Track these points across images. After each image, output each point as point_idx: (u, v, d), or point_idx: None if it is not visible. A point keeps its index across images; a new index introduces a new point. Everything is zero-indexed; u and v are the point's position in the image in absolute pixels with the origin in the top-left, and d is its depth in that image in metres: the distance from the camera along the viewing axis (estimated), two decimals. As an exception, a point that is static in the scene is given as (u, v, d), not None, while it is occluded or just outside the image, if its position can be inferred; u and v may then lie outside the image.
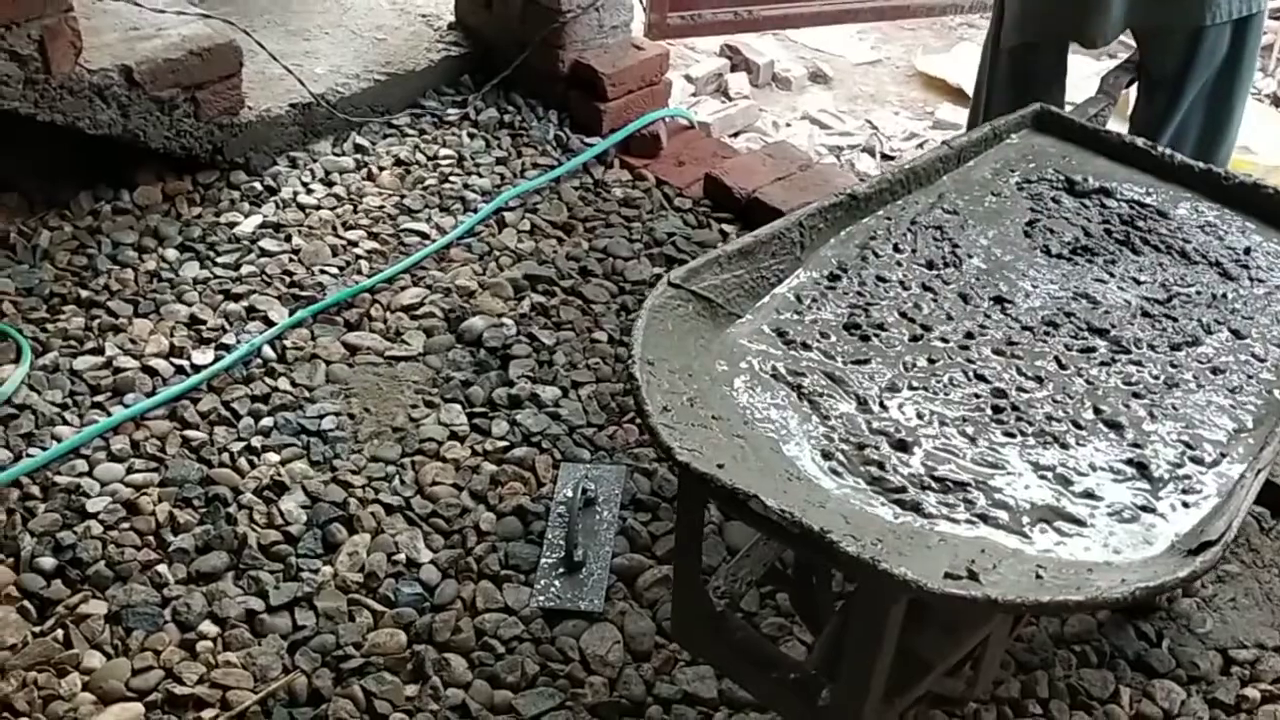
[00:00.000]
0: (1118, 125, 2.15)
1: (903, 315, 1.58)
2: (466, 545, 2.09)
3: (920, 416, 1.43)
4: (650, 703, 1.86)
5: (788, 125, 3.97)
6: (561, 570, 2.04)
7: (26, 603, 1.95)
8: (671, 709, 1.86)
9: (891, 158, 3.79)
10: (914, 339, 1.54)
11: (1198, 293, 1.65)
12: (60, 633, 1.91)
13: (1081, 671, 1.92)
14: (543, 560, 2.06)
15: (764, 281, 1.59)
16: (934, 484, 1.35)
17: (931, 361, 1.51)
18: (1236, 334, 1.57)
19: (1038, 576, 1.20)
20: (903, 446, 1.39)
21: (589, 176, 3.00)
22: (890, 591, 1.16)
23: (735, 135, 3.73)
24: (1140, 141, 1.90)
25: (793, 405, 1.45)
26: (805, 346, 1.53)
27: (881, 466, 1.37)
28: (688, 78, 3.95)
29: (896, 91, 4.28)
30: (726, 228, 2.87)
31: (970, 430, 1.42)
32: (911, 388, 1.47)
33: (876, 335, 1.54)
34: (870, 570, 1.13)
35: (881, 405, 1.45)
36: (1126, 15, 2.17)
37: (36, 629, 1.92)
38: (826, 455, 1.39)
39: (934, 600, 1.12)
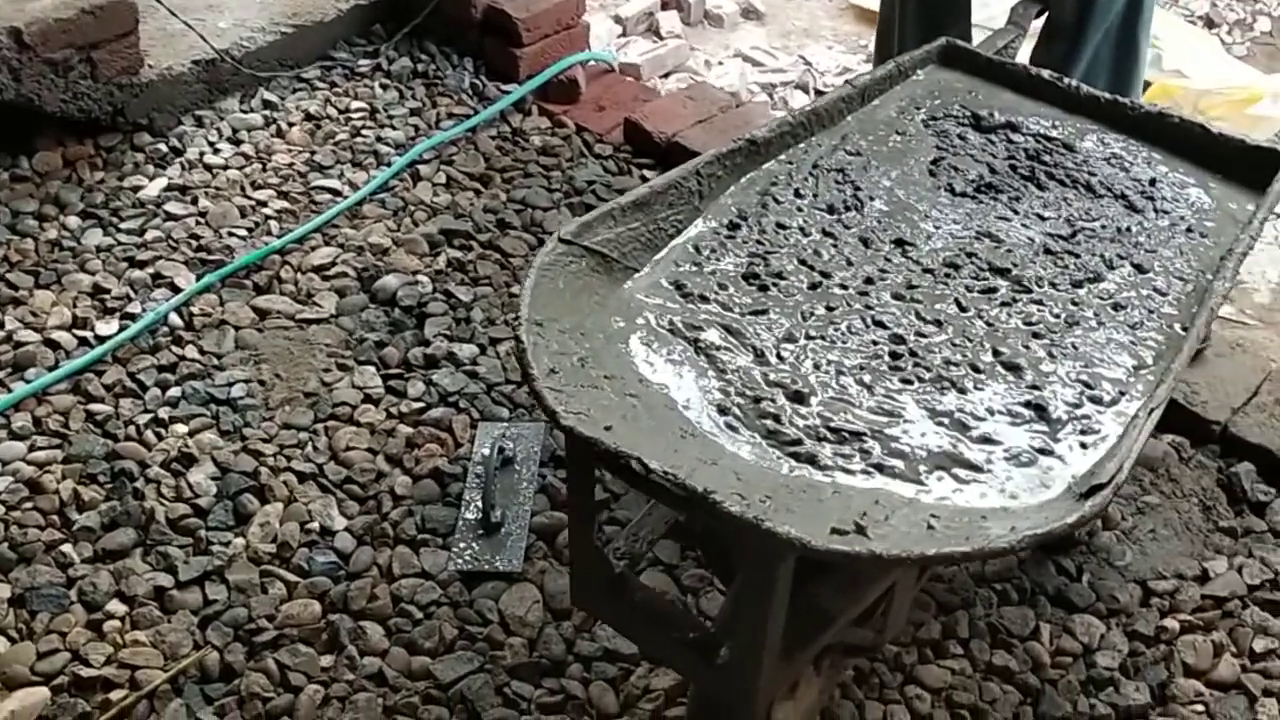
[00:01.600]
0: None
1: (802, 263, 1.54)
2: (382, 510, 2.05)
3: (817, 366, 1.40)
4: (571, 661, 1.84)
5: (720, 64, 3.90)
6: (480, 531, 2.01)
7: (-74, 589, 1.90)
8: (592, 666, 1.84)
9: (825, 93, 3.73)
10: (813, 287, 1.51)
11: (1102, 227, 1.62)
12: (-38, 618, 1.87)
13: (1002, 610, 1.92)
14: (460, 522, 2.02)
15: (661, 233, 1.55)
16: (830, 435, 1.32)
17: (830, 309, 1.48)
18: (1139, 268, 1.55)
19: (929, 527, 1.18)
20: (799, 398, 1.36)
21: (506, 125, 2.93)
22: (776, 550, 1.13)
23: (666, 76, 3.66)
24: (1047, 74, 1.87)
25: (689, 360, 1.41)
26: (703, 299, 1.49)
27: (778, 419, 1.34)
28: (616, 18, 3.86)
29: (830, 26, 4.21)
30: (648, 174, 2.82)
31: (867, 379, 1.39)
32: (809, 337, 1.44)
33: (775, 284, 1.50)
34: (755, 529, 1.10)
35: (779, 356, 1.41)
36: None
37: (-64, 616, 1.86)
38: (723, 410, 1.36)
39: (820, 557, 1.10)
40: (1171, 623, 1.91)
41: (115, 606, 1.88)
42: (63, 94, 2.61)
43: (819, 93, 3.71)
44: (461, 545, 1.99)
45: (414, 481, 2.10)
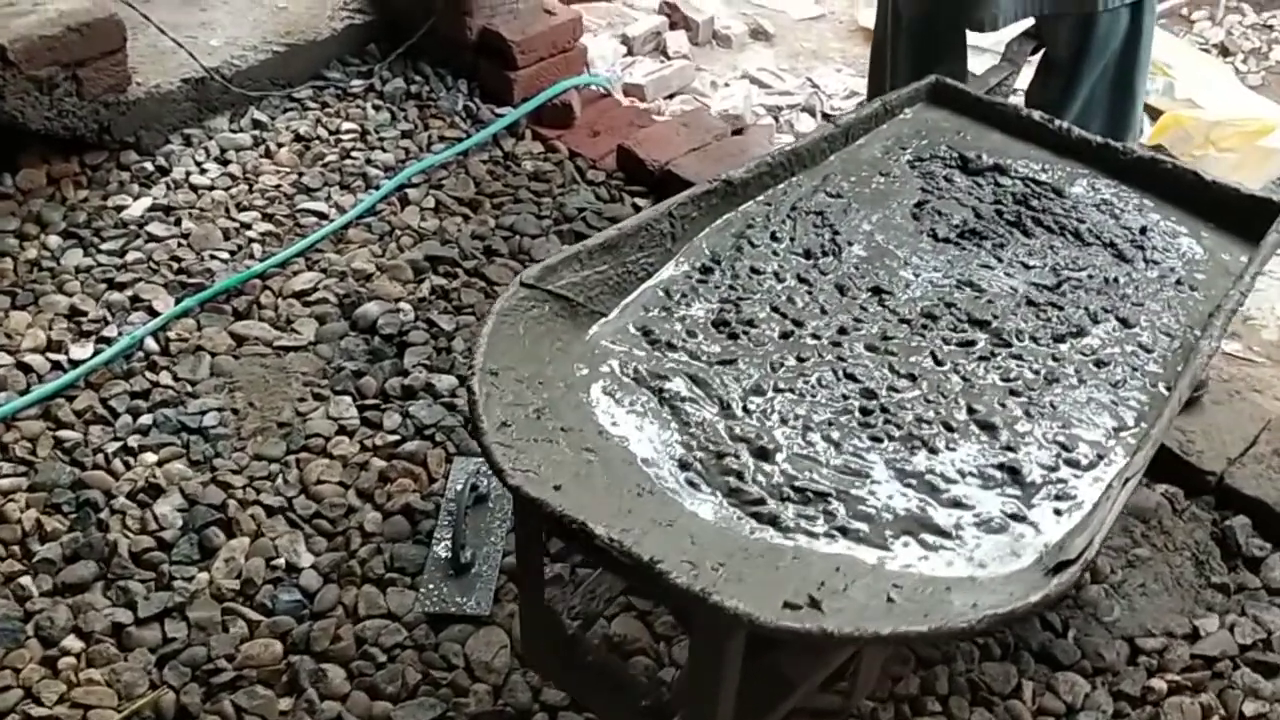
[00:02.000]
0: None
1: (775, 310, 1.49)
2: (350, 548, 2.00)
3: (785, 421, 1.35)
4: (536, 710, 1.78)
5: (726, 85, 3.85)
6: (449, 572, 1.95)
7: (-119, 620, 1.85)
8: (558, 715, 1.78)
9: (832, 117, 3.68)
10: (784, 336, 1.46)
11: (1089, 277, 1.56)
12: (-83, 651, 1.82)
13: (983, 665, 1.86)
14: (429, 562, 1.97)
15: (631, 277, 1.50)
16: (794, 494, 1.27)
17: (801, 360, 1.43)
18: (1124, 322, 1.49)
19: (889, 600, 1.13)
20: (763, 454, 1.31)
21: (499, 149, 2.89)
22: (724, 624, 1.08)
23: (671, 97, 3.61)
24: (1038, 115, 1.81)
25: (652, 412, 1.36)
26: (670, 346, 1.44)
27: (740, 476, 1.29)
28: (624, 37, 3.82)
29: (839, 48, 4.16)
30: (640, 202, 2.77)
31: (836, 435, 1.33)
32: (778, 389, 1.39)
33: (746, 333, 1.45)
34: (702, 604, 1.05)
35: (745, 409, 1.36)
36: (1017, 2, 2.06)
37: (-110, 648, 1.82)
38: (684, 465, 1.30)
39: (769, 633, 1.05)
40: (1159, 683, 1.84)
41: (71, 643, 1.84)
42: (47, 111, 2.57)
43: (826, 116, 3.65)
44: (430, 586, 1.94)
45: (384, 518, 2.04)
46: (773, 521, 1.24)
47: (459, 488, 2.05)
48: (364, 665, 1.83)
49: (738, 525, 1.24)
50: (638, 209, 2.74)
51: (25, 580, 1.91)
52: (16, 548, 1.96)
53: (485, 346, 1.31)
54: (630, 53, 3.75)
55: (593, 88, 3.10)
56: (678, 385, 1.39)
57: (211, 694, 1.78)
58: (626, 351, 1.43)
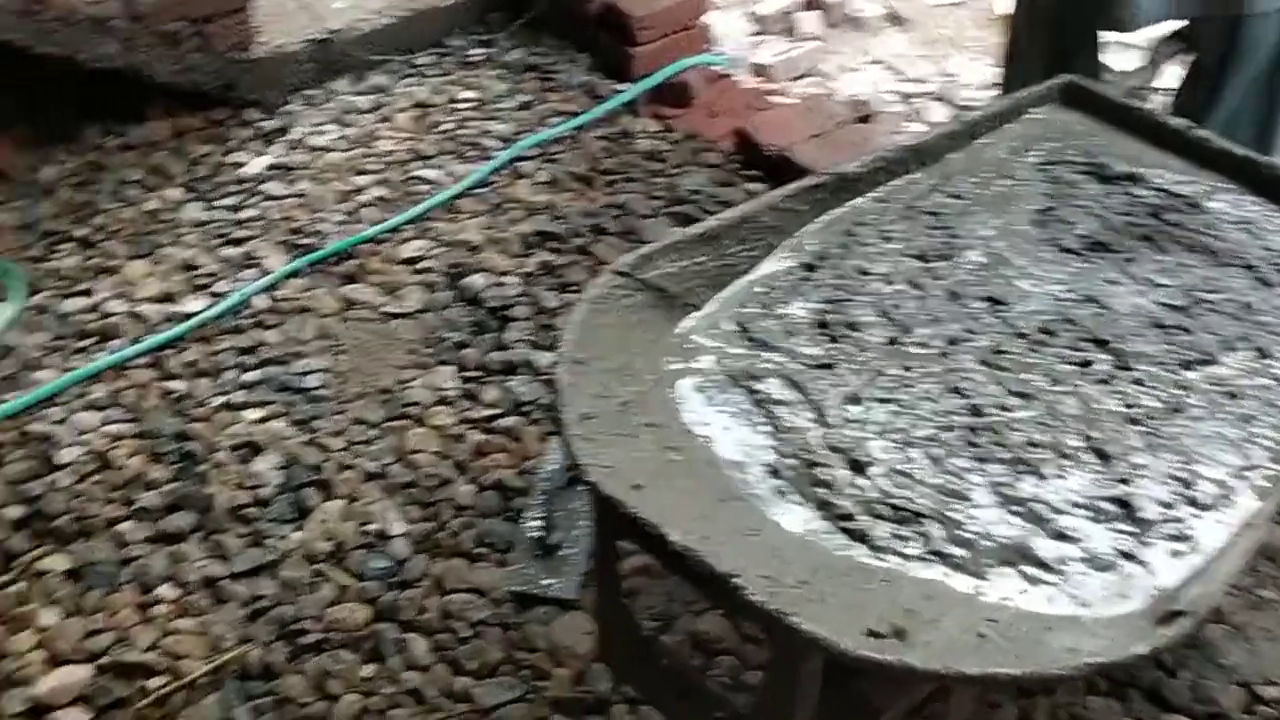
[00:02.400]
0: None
1: (881, 314, 1.42)
2: (441, 519, 2.00)
3: (883, 433, 1.29)
4: (616, 700, 1.75)
5: (855, 70, 3.76)
6: (538, 553, 1.94)
7: (-11, 553, 1.92)
8: (638, 709, 1.75)
9: (967, 108, 3.55)
10: (890, 342, 1.39)
11: (1224, 301, 1.46)
12: (20, 586, 1.88)
13: (1087, 699, 1.77)
14: (519, 541, 1.96)
15: (730, 270, 1.45)
16: (888, 512, 1.21)
17: (905, 369, 1.36)
18: (1261, 352, 1.39)
19: (981, 635, 1.07)
20: (858, 467, 1.25)
21: (615, 126, 2.85)
22: (800, 648, 1.03)
23: (797, 79, 3.53)
24: (1177, 122, 1.70)
25: (743, 413, 1.31)
26: (767, 346, 1.39)
27: (831, 488, 1.23)
28: (754, 15, 3.74)
29: (977, 36, 4.02)
30: (754, 186, 2.70)
31: (937, 452, 1.27)
32: (878, 399, 1.32)
33: (847, 336, 1.39)
34: (778, 624, 1.00)
35: (841, 418, 1.30)
36: (1158, 2, 1.94)
37: (-5, 581, 1.88)
38: (773, 473, 1.26)
39: (848, 662, 1.00)
40: (1274, 733, 1.74)
41: (166, 591, 1.88)
42: (173, 66, 2.62)
43: (961, 107, 3.53)
44: (518, 565, 1.92)
45: (478, 491, 2.04)
46: (863, 539, 1.19)
47: (554, 468, 2.04)
48: (447, 639, 1.83)
49: (825, 540, 1.19)
50: (751, 194, 2.68)
51: (126, 525, 1.96)
52: (120, 493, 2.01)
53: (573, 334, 1.28)
54: (760, 32, 3.68)
55: (714, 67, 3.04)
56: (771, 387, 1.34)
57: (296, 654, 1.80)
58: (720, 348, 1.39)
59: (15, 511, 1.97)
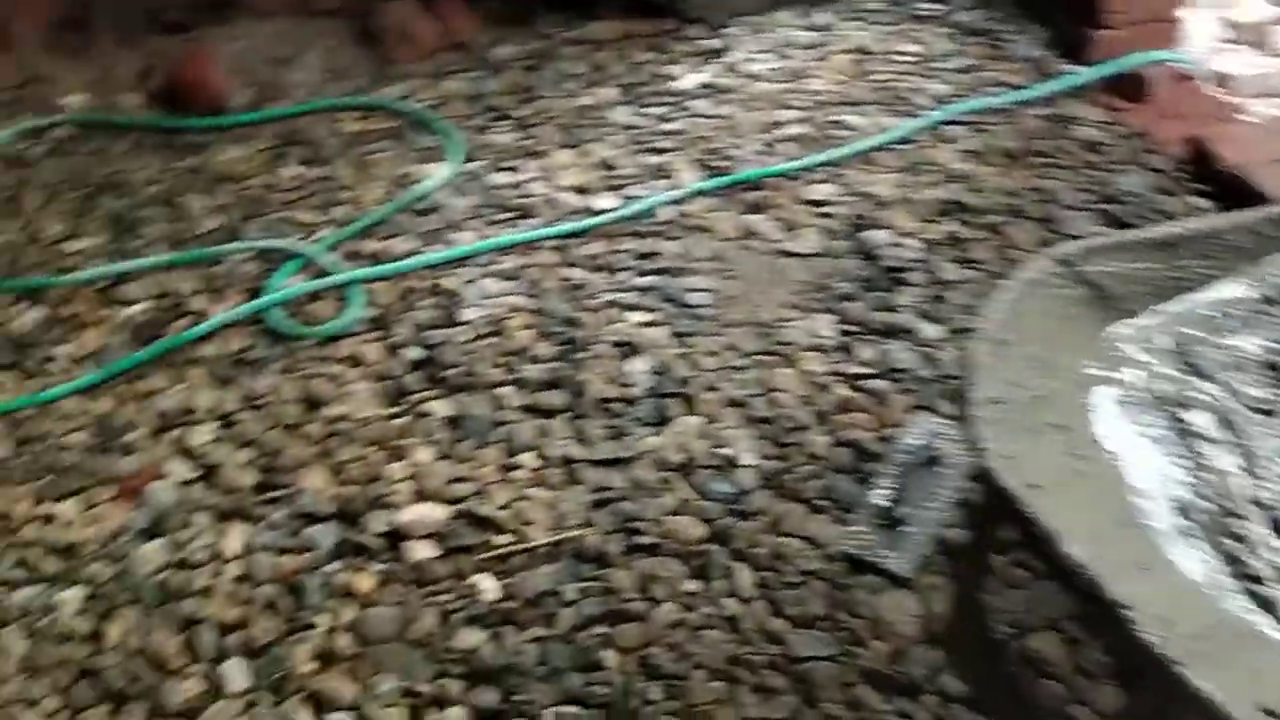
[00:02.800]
0: None
1: (1344, 368, 1.27)
2: (791, 461, 2.00)
3: (1318, 499, 1.16)
4: (929, 690, 1.71)
5: (1329, 97, 3.36)
6: (881, 522, 1.90)
7: (387, 384, 2.10)
8: (950, 705, 1.69)
9: None
10: (1347, 402, 1.24)
11: None
12: (405, 420, 2.05)
13: None
14: (863, 505, 1.93)
15: (1178, 283, 1.33)
16: (1304, 584, 1.09)
17: (1359, 436, 1.21)
18: None
19: (1392, 749, 0.94)
20: (1279, 528, 1.13)
21: (1057, 108, 2.69)
22: (1184, 703, 0.95)
23: (1259, 97, 3.21)
24: None
25: (1163, 440, 1.21)
26: (1204, 374, 1.27)
27: (1244, 543, 1.12)
28: (1228, 21, 3.42)
29: None
30: (1197, 201, 2.49)
31: (1378, 534, 1.12)
32: (1320, 461, 1.19)
33: (1300, 385, 1.25)
34: (1166, 673, 0.92)
35: (1273, 472, 1.18)
36: None
37: (386, 411, 2.06)
38: (1182, 511, 1.16)
39: (1234, 733, 0.91)
40: None
41: (528, 459, 1.98)
42: (632, -28, 2.72)
43: None
44: (858, 529, 1.90)
45: (833, 445, 2.02)
46: (1270, 608, 1.08)
47: (917, 443, 1.99)
48: (773, 579, 1.83)
49: (1225, 598, 1.08)
50: (1193, 209, 2.47)
51: (506, 390, 2.09)
52: (505, 359, 2.14)
53: (999, 314, 1.22)
54: (1231, 39, 3.35)
55: (1181, 67, 2.80)
56: (1200, 420, 1.23)
57: (630, 550, 1.86)
58: (1150, 364, 1.28)
59: (415, 353, 2.15)
